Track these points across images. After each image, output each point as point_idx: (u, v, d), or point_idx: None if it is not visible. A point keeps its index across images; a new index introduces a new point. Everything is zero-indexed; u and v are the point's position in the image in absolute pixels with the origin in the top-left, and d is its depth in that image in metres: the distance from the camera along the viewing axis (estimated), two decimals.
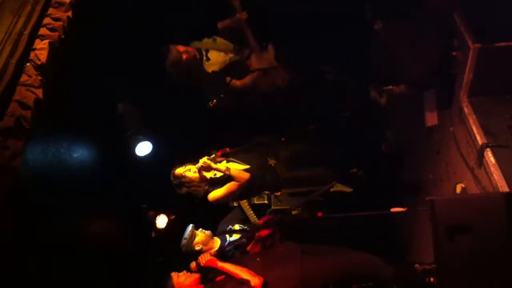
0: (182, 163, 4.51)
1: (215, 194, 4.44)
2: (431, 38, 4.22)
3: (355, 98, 5.47)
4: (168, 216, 5.18)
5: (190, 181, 4.42)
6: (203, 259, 3.89)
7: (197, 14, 5.11)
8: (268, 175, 4.73)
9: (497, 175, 3.33)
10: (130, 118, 4.89)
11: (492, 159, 3.42)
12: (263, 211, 5.27)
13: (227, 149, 4.79)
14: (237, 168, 4.50)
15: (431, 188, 4.53)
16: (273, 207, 5.46)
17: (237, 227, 4.73)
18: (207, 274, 3.85)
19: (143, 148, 4.97)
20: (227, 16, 5.13)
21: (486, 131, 3.59)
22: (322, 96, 5.44)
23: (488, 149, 3.47)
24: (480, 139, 3.56)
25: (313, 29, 5.04)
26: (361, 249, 3.92)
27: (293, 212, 5.07)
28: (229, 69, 5.16)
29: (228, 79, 5.17)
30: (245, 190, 4.51)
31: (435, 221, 2.87)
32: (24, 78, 2.95)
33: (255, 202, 5.34)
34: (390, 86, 4.75)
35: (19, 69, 2.97)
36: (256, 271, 3.68)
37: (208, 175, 4.51)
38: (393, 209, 3.79)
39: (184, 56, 4.89)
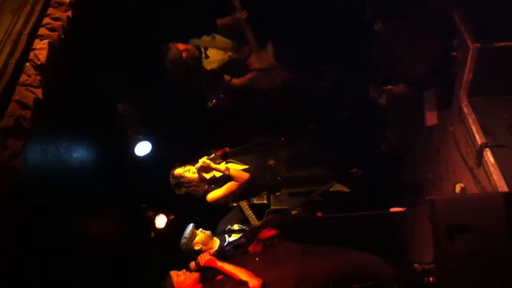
0: (182, 164, 4.51)
1: (214, 194, 4.44)
2: (431, 38, 4.22)
3: (355, 98, 5.48)
4: (167, 216, 5.18)
5: (189, 181, 4.42)
6: (203, 258, 3.89)
7: (197, 13, 5.11)
8: (268, 175, 4.73)
9: (496, 175, 3.33)
10: (130, 118, 4.89)
11: (491, 159, 3.42)
12: (262, 211, 5.27)
13: (227, 149, 4.79)
14: (236, 168, 4.51)
15: (431, 188, 4.53)
16: (272, 207, 5.45)
17: (236, 227, 4.73)
18: (207, 273, 3.85)
19: (143, 148, 4.98)
20: (227, 14, 5.13)
21: (485, 131, 3.59)
22: (322, 96, 5.44)
23: (487, 149, 3.47)
24: (479, 139, 3.56)
25: (313, 29, 5.04)
26: (361, 249, 3.92)
27: (293, 212, 5.07)
28: (227, 67, 5.16)
29: (227, 77, 5.16)
30: (245, 190, 4.52)
31: (435, 220, 2.87)
32: (23, 78, 2.95)
33: (254, 202, 5.34)
34: (390, 86, 4.74)
35: (19, 69, 2.97)
36: (255, 271, 3.68)
37: (208, 176, 4.51)
38: (393, 209, 3.79)
39: (184, 54, 4.89)
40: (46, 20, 3.26)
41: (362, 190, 4.94)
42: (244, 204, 5.00)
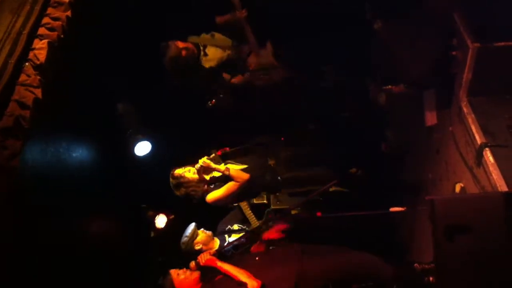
0: (182, 165, 4.52)
1: (214, 195, 4.44)
2: (431, 38, 4.22)
3: (355, 98, 5.48)
4: (167, 216, 5.18)
5: (189, 181, 4.42)
6: (203, 258, 3.89)
7: (197, 11, 5.10)
8: (268, 175, 4.73)
9: (496, 175, 3.33)
10: (130, 118, 4.89)
11: (491, 158, 3.42)
12: (262, 211, 5.27)
13: (227, 148, 4.79)
14: (236, 168, 4.51)
15: (431, 188, 4.53)
16: (272, 207, 5.46)
17: (236, 227, 4.73)
18: (207, 273, 3.85)
19: (143, 148, 4.98)
20: (227, 12, 5.12)
21: (485, 131, 3.59)
22: (322, 96, 5.45)
23: (487, 148, 3.47)
24: (479, 139, 3.56)
25: (313, 29, 5.04)
26: (361, 249, 3.92)
27: (293, 212, 5.07)
28: (226, 65, 5.15)
29: (226, 75, 5.15)
30: (244, 191, 4.51)
31: (435, 220, 2.87)
32: (23, 77, 2.95)
33: (254, 202, 5.33)
34: (390, 86, 4.75)
35: (18, 69, 2.97)
36: (255, 271, 3.68)
37: (207, 176, 4.52)
38: (393, 209, 3.80)
39: (184, 53, 4.87)
40: (46, 19, 3.26)
41: (362, 190, 4.94)
42: (244, 204, 4.99)
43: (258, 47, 5.13)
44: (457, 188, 3.97)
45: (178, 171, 4.47)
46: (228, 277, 3.69)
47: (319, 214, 3.93)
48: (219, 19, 5.18)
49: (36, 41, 3.14)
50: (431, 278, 3.54)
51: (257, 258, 3.96)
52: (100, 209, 4.32)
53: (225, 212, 4.97)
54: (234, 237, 4.55)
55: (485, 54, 3.68)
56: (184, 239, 4.49)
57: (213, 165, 4.45)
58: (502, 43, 3.65)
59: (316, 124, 5.53)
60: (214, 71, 5.09)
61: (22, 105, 2.86)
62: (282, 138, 5.19)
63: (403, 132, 5.12)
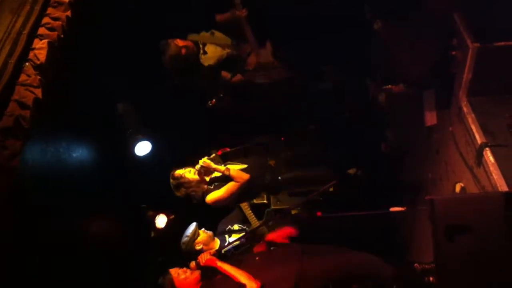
0: (182, 166, 4.52)
1: (214, 195, 4.44)
2: (430, 39, 4.22)
3: (354, 98, 5.48)
4: (167, 216, 5.18)
5: (189, 182, 4.43)
6: (203, 258, 3.89)
7: (197, 10, 5.10)
8: (268, 175, 4.73)
9: (496, 175, 3.33)
10: (130, 118, 4.89)
11: (491, 158, 3.42)
12: (262, 210, 5.27)
13: (227, 149, 4.79)
14: (236, 168, 4.51)
15: (431, 188, 4.53)
16: (272, 207, 5.46)
17: (236, 227, 4.72)
18: (207, 273, 3.84)
19: (143, 148, 4.98)
20: (227, 10, 5.12)
21: (485, 131, 3.59)
22: (322, 97, 5.45)
23: (487, 148, 3.47)
24: (479, 139, 3.56)
25: (312, 31, 5.04)
26: (361, 249, 3.92)
27: (293, 212, 5.08)
28: (225, 64, 5.14)
29: (225, 74, 5.15)
30: (245, 192, 4.51)
31: (435, 220, 2.87)
32: (23, 77, 2.95)
33: (254, 201, 5.33)
34: (389, 86, 4.75)
35: (18, 69, 2.97)
36: (255, 271, 3.68)
37: (208, 177, 4.53)
38: (393, 209, 3.80)
39: (183, 51, 4.86)
40: (46, 19, 3.26)
41: (362, 190, 4.94)
42: (244, 204, 5.00)
43: (257, 47, 5.13)
44: (457, 188, 3.97)
45: (178, 172, 4.47)
46: (228, 277, 3.69)
47: (319, 214, 3.93)
48: (219, 17, 5.18)
49: (36, 41, 3.14)
50: (431, 278, 3.54)
51: (257, 258, 3.96)
52: (100, 209, 4.31)
53: (225, 212, 4.97)
54: (234, 237, 4.54)
55: (485, 54, 3.68)
56: (185, 239, 4.49)
57: (213, 165, 4.45)
58: (502, 43, 3.65)
59: (316, 124, 5.53)
60: (213, 69, 5.08)
61: (22, 105, 2.86)
62: (282, 138, 5.19)
63: (403, 132, 5.12)
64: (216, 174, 4.52)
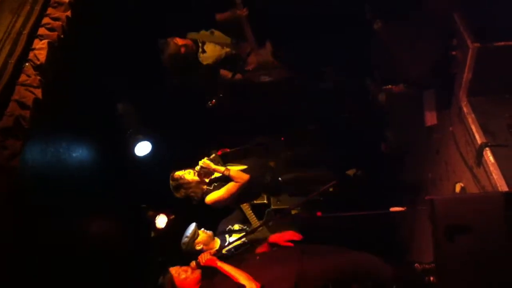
0: (182, 167, 4.53)
1: (214, 196, 4.44)
2: (430, 39, 4.22)
3: (355, 98, 5.49)
4: (167, 216, 5.18)
5: (188, 183, 4.43)
6: (203, 258, 3.88)
7: (197, 10, 5.10)
8: (268, 176, 4.73)
9: (496, 174, 3.33)
10: (130, 118, 4.89)
11: (491, 158, 3.42)
12: (262, 210, 5.27)
13: (227, 149, 4.79)
14: (236, 169, 4.51)
15: (431, 188, 4.53)
16: (272, 207, 5.46)
17: (236, 227, 4.73)
18: (207, 273, 3.84)
19: (143, 148, 4.98)
20: (227, 9, 5.12)
21: (485, 131, 3.59)
22: (322, 97, 5.45)
23: (487, 148, 3.46)
24: (479, 139, 3.56)
25: (313, 31, 5.04)
26: (361, 249, 3.92)
27: (293, 212, 5.07)
28: (224, 63, 5.14)
29: (225, 73, 5.14)
30: (245, 192, 4.51)
31: (435, 220, 2.87)
32: (23, 78, 2.95)
33: (254, 201, 5.33)
34: (390, 86, 4.75)
35: (18, 69, 2.97)
36: (255, 271, 3.68)
37: (207, 179, 4.53)
38: (393, 209, 3.80)
39: (183, 50, 4.85)
40: (46, 20, 3.26)
41: (362, 190, 4.94)
42: (244, 204, 5.00)
43: (257, 46, 5.13)
44: (457, 188, 3.97)
45: (178, 173, 4.47)
46: (228, 277, 3.69)
47: (319, 214, 3.93)
48: (219, 16, 5.18)
49: (36, 41, 3.14)
50: (431, 278, 3.54)
51: (257, 258, 3.96)
52: (100, 209, 4.31)
53: (225, 212, 4.97)
54: (234, 237, 4.54)
55: (485, 54, 3.68)
56: (185, 239, 4.49)
57: (213, 165, 4.46)
58: (502, 43, 3.65)
59: (316, 125, 5.54)
60: (212, 68, 5.07)
61: (22, 105, 2.86)
62: (282, 138, 5.19)
63: (403, 132, 5.12)
64: (216, 174, 4.52)
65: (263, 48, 5.21)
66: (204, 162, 4.46)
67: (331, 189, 4.12)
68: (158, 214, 5.17)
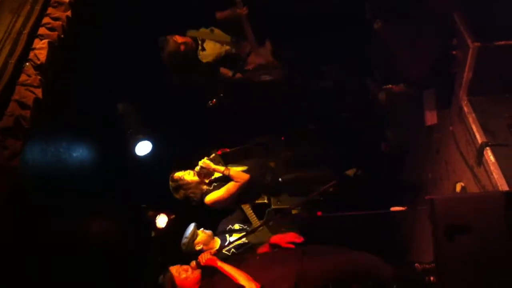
0: (182, 168, 4.53)
1: (213, 196, 4.44)
2: (431, 38, 4.22)
3: (355, 98, 5.48)
4: (168, 215, 5.18)
5: (188, 183, 4.43)
6: (203, 258, 3.89)
7: (197, 10, 5.10)
8: (268, 177, 4.73)
9: (496, 174, 3.32)
10: (130, 118, 4.89)
11: (491, 157, 3.42)
12: (262, 210, 5.27)
13: (227, 149, 4.79)
14: (236, 169, 4.51)
15: (431, 187, 4.53)
16: (272, 207, 5.46)
17: (237, 226, 4.73)
18: (207, 272, 3.85)
19: (143, 148, 4.98)
20: (227, 8, 5.12)
21: (485, 130, 3.59)
22: (322, 96, 5.45)
23: (487, 147, 3.46)
24: (479, 138, 3.55)
25: (313, 29, 5.04)
26: (361, 248, 3.92)
27: (293, 212, 5.07)
28: (224, 61, 5.13)
29: (225, 71, 5.14)
30: (245, 194, 4.51)
31: (435, 220, 2.87)
32: (23, 77, 2.95)
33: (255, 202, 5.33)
34: (390, 86, 4.75)
35: (18, 69, 2.96)
36: (255, 271, 3.68)
37: (207, 179, 4.53)
38: (393, 208, 3.80)
39: (182, 47, 4.84)
40: (46, 19, 3.25)
41: (362, 190, 4.94)
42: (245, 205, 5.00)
43: (257, 45, 5.12)
44: (458, 187, 3.97)
45: (178, 174, 4.48)
46: (227, 277, 3.69)
47: (319, 214, 3.93)
48: (219, 15, 5.17)
49: (36, 41, 3.14)
50: (431, 278, 3.54)
51: (257, 258, 3.96)
52: (100, 209, 4.31)
53: (225, 211, 4.97)
54: (235, 236, 4.54)
55: (486, 53, 3.68)
56: (184, 240, 4.49)
57: (212, 165, 4.46)
58: (502, 42, 3.64)
59: (316, 124, 5.53)
60: (212, 66, 5.07)
61: (22, 105, 2.85)
62: (282, 138, 5.19)
63: (403, 132, 5.12)
64: (216, 174, 4.53)
65: (263, 47, 5.20)
66: (204, 162, 4.47)
67: (331, 189, 4.12)
68: (159, 214, 5.17)
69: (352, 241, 4.09)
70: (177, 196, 4.50)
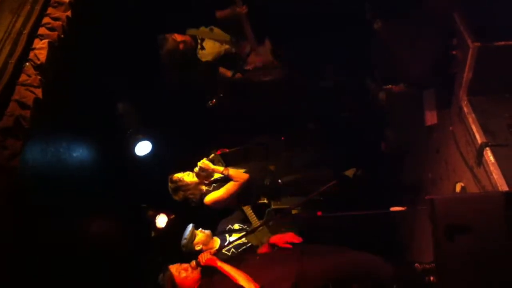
0: (181, 168, 4.53)
1: (213, 196, 4.45)
2: (431, 38, 4.22)
3: (355, 98, 5.48)
4: (168, 215, 5.18)
5: (187, 184, 4.43)
6: (203, 258, 3.88)
7: (197, 10, 5.10)
8: (267, 180, 4.73)
9: (496, 174, 3.32)
10: (130, 118, 4.89)
11: (491, 158, 3.41)
12: (263, 210, 5.26)
13: (226, 149, 4.79)
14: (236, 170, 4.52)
15: (431, 187, 4.53)
16: (273, 206, 5.45)
17: (236, 226, 4.72)
18: (207, 272, 3.85)
19: (143, 148, 4.98)
20: (227, 7, 5.11)
21: (485, 130, 3.59)
22: (322, 96, 5.45)
23: (487, 148, 3.46)
24: (479, 138, 3.55)
25: (313, 29, 5.04)
26: (361, 248, 3.92)
27: (293, 212, 5.07)
28: (224, 60, 5.13)
29: (223, 70, 5.13)
30: (244, 196, 4.51)
31: (435, 220, 2.87)
32: (23, 77, 2.95)
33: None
34: (390, 86, 4.75)
35: (19, 69, 2.97)
36: (255, 271, 3.68)
37: (207, 180, 4.53)
38: (393, 208, 3.79)
39: (181, 46, 4.84)
40: (46, 19, 3.26)
41: (362, 190, 4.94)
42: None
43: (256, 44, 5.12)
44: (458, 187, 3.97)
45: (177, 175, 4.48)
46: (227, 277, 3.69)
47: (319, 213, 3.93)
48: (219, 14, 5.17)
49: (36, 41, 3.14)
50: (431, 278, 3.54)
51: (257, 258, 3.96)
52: (100, 209, 4.32)
53: (225, 211, 4.97)
54: (234, 236, 4.54)
55: (486, 54, 3.67)
56: (183, 241, 4.49)
57: (211, 166, 4.46)
58: (502, 43, 3.64)
59: (316, 124, 5.53)
60: (211, 65, 5.07)
61: (22, 105, 2.86)
62: (282, 138, 5.19)
63: (403, 132, 5.12)
64: (216, 175, 4.53)
65: (262, 46, 5.20)
66: (203, 162, 4.47)
67: (332, 189, 4.12)
68: (158, 213, 5.17)
69: (352, 241, 4.09)
70: (176, 197, 4.51)
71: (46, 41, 3.12)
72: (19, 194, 2.86)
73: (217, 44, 5.11)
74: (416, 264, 3.70)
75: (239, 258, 4.09)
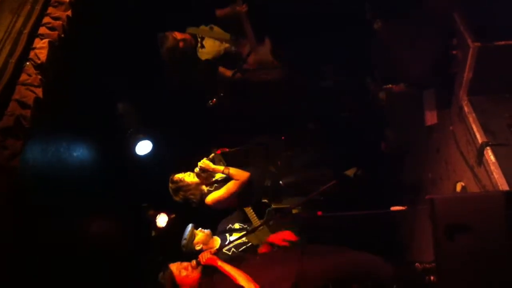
0: (182, 169, 4.53)
1: (214, 195, 4.44)
2: (431, 38, 4.22)
3: (355, 98, 5.48)
4: (168, 215, 5.18)
5: (188, 185, 4.43)
6: (203, 257, 3.89)
7: (197, 10, 5.10)
8: (268, 181, 4.74)
9: (497, 174, 3.32)
10: (130, 118, 4.89)
11: (492, 157, 3.41)
12: (263, 210, 5.26)
13: (226, 149, 4.79)
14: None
15: (431, 187, 4.52)
16: (273, 206, 5.45)
17: (237, 226, 4.72)
18: (207, 271, 3.85)
19: (143, 147, 4.98)
20: (227, 5, 5.12)
21: (485, 130, 3.58)
22: (322, 96, 5.45)
23: (488, 147, 3.46)
24: (480, 138, 3.55)
25: (313, 29, 5.04)
26: (361, 248, 3.92)
27: (293, 211, 5.06)
28: (223, 59, 5.13)
29: (222, 69, 5.13)
30: (244, 197, 4.51)
31: (435, 220, 2.86)
32: (23, 77, 2.96)
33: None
34: (390, 85, 4.75)
35: (19, 68, 2.97)
36: (255, 271, 3.68)
37: (208, 180, 4.53)
38: (393, 208, 3.79)
39: (181, 44, 4.84)
40: (46, 19, 3.26)
41: (362, 190, 4.94)
42: None
43: (256, 43, 5.12)
44: (458, 187, 3.97)
45: (178, 176, 4.48)
46: (227, 277, 3.69)
47: (319, 213, 3.93)
48: (219, 12, 5.16)
49: (36, 40, 3.15)
50: (432, 278, 3.54)
51: (257, 258, 3.96)
52: (100, 209, 4.32)
53: (226, 211, 4.97)
54: (235, 235, 4.54)
55: (486, 53, 3.67)
56: (183, 241, 4.49)
57: (212, 165, 4.46)
58: (503, 42, 3.64)
59: (316, 124, 5.53)
60: (211, 64, 5.07)
61: (22, 104, 2.86)
62: (283, 138, 5.19)
63: (403, 132, 5.12)
64: (217, 176, 4.53)
65: (262, 45, 5.19)
66: (203, 162, 4.47)
67: (333, 188, 4.12)
68: (159, 213, 5.17)
69: (352, 241, 4.09)
70: (176, 198, 4.50)
71: (46, 40, 3.13)
72: (19, 194, 2.86)
73: (217, 42, 5.11)
74: (416, 264, 3.70)
75: (239, 258, 4.09)
